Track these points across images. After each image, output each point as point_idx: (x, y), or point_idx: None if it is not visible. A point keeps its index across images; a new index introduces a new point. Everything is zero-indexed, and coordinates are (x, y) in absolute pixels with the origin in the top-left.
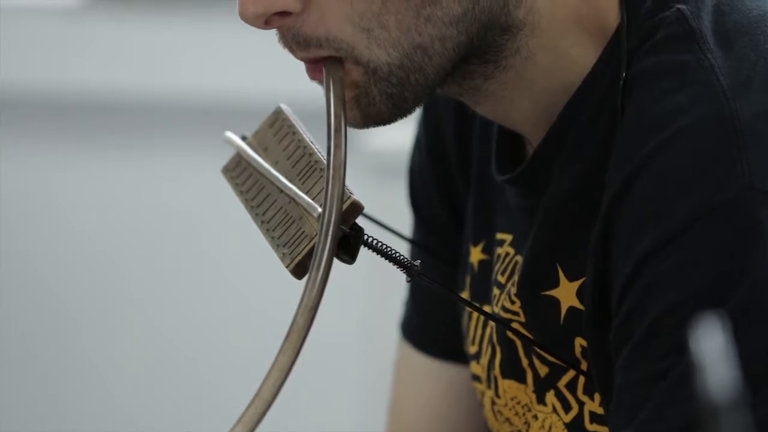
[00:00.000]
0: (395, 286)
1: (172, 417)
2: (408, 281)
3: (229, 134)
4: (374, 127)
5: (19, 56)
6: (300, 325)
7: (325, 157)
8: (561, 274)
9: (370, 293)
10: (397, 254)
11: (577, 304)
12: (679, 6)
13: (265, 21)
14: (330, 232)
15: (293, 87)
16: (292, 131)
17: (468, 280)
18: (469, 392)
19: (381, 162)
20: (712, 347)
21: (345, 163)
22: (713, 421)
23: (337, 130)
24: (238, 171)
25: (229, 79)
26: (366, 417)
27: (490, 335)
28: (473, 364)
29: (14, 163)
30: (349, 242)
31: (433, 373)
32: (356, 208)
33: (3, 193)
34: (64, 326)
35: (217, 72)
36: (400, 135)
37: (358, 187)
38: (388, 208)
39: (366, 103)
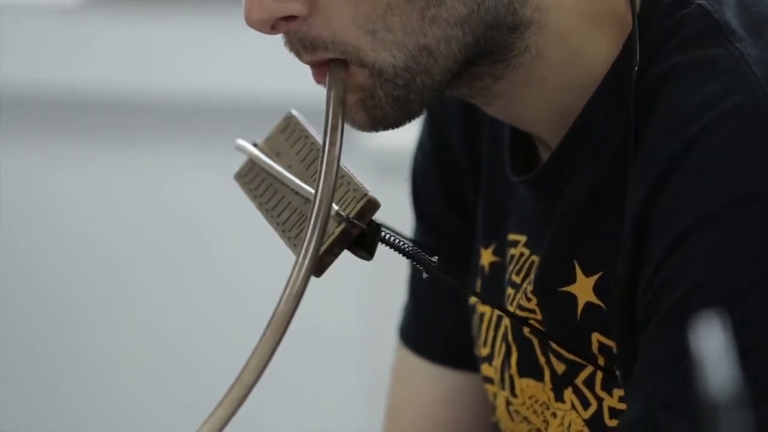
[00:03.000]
0: (394, 285)
1: (172, 417)
2: (426, 277)
3: (241, 141)
4: (381, 130)
5: (19, 55)
6: (283, 312)
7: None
8: (578, 270)
9: (369, 293)
10: (415, 250)
11: (594, 299)
12: (699, 2)
13: (272, 26)
14: (318, 223)
15: (294, 86)
16: (305, 135)
17: (479, 282)
18: (469, 398)
19: (382, 160)
20: (715, 342)
21: (339, 160)
22: (715, 414)
23: (334, 128)
24: (251, 176)
25: (229, 78)
26: (363, 418)
27: (504, 335)
28: (485, 366)
29: (14, 162)
30: (366, 239)
31: (431, 378)
32: (373, 205)
33: (2, 192)
34: (63, 326)
35: (216, 71)
36: (401, 133)
37: None
38: (389, 206)
39: (372, 105)
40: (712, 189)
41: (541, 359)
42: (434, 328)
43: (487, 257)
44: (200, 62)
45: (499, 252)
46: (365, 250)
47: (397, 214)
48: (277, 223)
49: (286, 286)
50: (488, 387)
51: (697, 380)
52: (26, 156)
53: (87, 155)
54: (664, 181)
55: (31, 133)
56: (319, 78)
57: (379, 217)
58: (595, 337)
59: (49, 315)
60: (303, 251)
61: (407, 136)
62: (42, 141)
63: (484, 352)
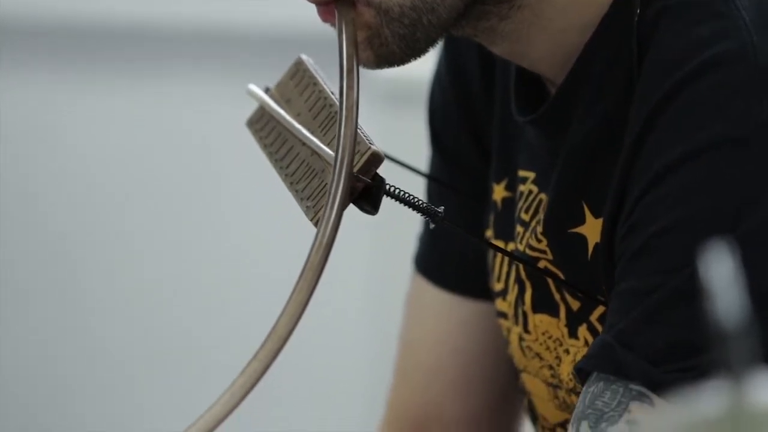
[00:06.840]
0: (402, 230)
1: (181, 355)
2: (432, 228)
3: (252, 87)
4: (387, 67)
5: None
6: (314, 263)
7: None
8: (587, 211)
9: (377, 241)
10: (420, 201)
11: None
12: None
13: None
14: (344, 171)
15: (312, 14)
16: (313, 82)
17: (492, 218)
18: (485, 327)
19: (394, 89)
20: (720, 273)
21: (358, 104)
22: (721, 346)
23: (350, 71)
24: (262, 124)
25: (246, 6)
26: (371, 368)
27: (518, 271)
28: (499, 301)
29: (22, 92)
30: (371, 193)
31: (447, 307)
32: (377, 159)
33: (12, 124)
34: (69, 263)
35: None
36: (413, 63)
37: (371, 116)
38: (402, 135)
39: (378, 44)
40: (691, 132)
41: (556, 296)
42: (451, 256)
43: (499, 192)
44: None
45: (511, 187)
46: (370, 204)
47: (410, 142)
48: (285, 174)
49: (316, 237)
50: (502, 322)
51: (658, 319)
52: (35, 86)
53: (94, 85)
54: (650, 124)
55: (39, 62)
56: (325, 17)
57: (393, 146)
58: None
59: (49, 255)
60: (330, 199)
61: (420, 65)
62: (50, 71)
63: (498, 287)
